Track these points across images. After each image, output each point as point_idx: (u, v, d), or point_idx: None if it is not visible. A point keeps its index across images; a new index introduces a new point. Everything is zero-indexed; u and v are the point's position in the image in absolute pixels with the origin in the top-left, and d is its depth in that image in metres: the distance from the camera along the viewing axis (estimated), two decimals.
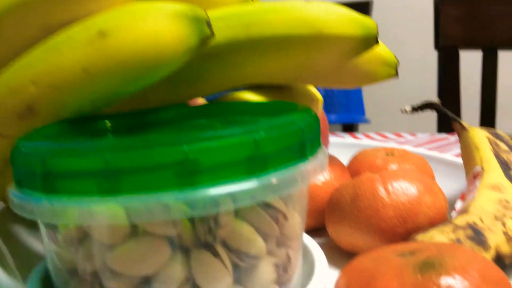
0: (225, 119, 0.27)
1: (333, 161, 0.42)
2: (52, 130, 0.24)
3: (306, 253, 0.28)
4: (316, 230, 0.40)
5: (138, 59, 0.24)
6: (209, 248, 0.20)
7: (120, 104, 0.30)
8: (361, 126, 1.66)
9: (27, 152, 0.19)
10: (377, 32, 0.31)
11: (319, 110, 0.42)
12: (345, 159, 0.50)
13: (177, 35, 0.25)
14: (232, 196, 0.18)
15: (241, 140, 0.19)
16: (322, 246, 0.37)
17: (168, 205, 0.18)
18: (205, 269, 0.20)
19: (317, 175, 0.22)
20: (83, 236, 0.20)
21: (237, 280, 0.21)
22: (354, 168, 0.44)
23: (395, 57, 0.37)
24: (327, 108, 1.33)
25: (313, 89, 0.40)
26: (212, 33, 0.26)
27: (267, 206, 0.21)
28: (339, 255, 0.36)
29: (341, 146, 0.59)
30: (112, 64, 0.25)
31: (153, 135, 0.18)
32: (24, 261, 0.30)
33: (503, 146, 0.39)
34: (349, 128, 1.41)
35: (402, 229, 0.33)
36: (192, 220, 0.20)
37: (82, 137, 0.25)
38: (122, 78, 0.25)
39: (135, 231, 0.19)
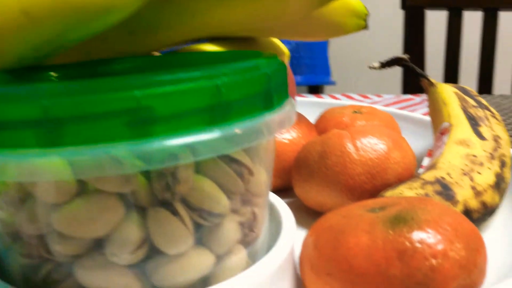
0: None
1: (300, 119, 0.41)
2: None
3: (273, 212, 0.26)
4: (283, 190, 0.39)
5: (84, 1, 0.22)
6: (168, 206, 0.18)
7: (68, 55, 0.27)
8: (327, 88, 1.65)
9: None
10: None
11: (286, 65, 0.41)
12: (311, 119, 0.48)
13: None
14: (192, 148, 0.17)
15: (202, 86, 0.17)
16: (289, 206, 0.36)
17: (119, 158, 0.16)
18: (164, 229, 0.18)
19: (284, 127, 0.20)
20: (24, 196, 0.18)
21: (199, 240, 0.19)
22: (321, 126, 0.43)
23: (365, 7, 0.35)
24: (293, 69, 1.31)
25: (278, 42, 0.38)
26: None
27: (231, 160, 0.20)
28: (307, 215, 0.35)
29: (307, 105, 0.57)
30: (56, 5, 0.22)
31: (100, 80, 0.16)
32: None
33: (471, 101, 0.39)
34: (315, 89, 1.40)
35: (370, 186, 0.32)
36: (147, 176, 0.18)
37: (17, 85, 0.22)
38: (68, 23, 0.22)
39: (83, 189, 0.17)
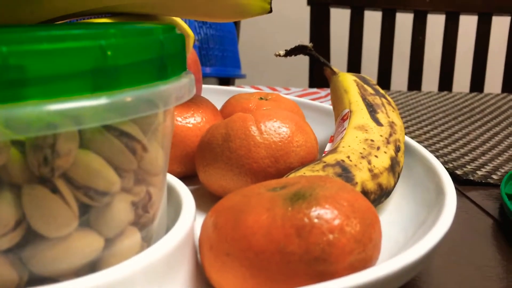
0: None
1: (204, 103, 0.40)
2: None
3: (172, 194, 0.25)
4: (186, 177, 0.38)
5: None
6: (46, 183, 0.16)
7: None
8: (237, 81, 1.65)
9: None
10: None
11: (190, 48, 0.39)
12: (218, 106, 0.48)
13: None
14: (73, 115, 0.15)
15: (84, 45, 0.15)
16: (193, 193, 0.34)
17: None
18: (42, 209, 0.16)
19: (180, 100, 0.19)
20: None
21: (85, 222, 0.18)
22: (227, 112, 0.42)
23: None
24: (203, 61, 1.29)
25: (182, 23, 0.37)
26: None
27: (121, 133, 0.18)
28: (211, 201, 0.34)
29: (214, 92, 0.56)
30: None
31: None
32: None
33: (369, 89, 0.40)
34: (225, 82, 1.40)
35: (274, 169, 0.32)
36: (22, 148, 0.16)
37: None
38: None
39: None
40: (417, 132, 0.56)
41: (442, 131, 0.56)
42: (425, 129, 0.57)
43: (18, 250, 0.16)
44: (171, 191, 0.25)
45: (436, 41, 1.29)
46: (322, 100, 0.69)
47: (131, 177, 0.19)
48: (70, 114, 0.15)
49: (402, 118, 0.62)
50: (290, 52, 0.45)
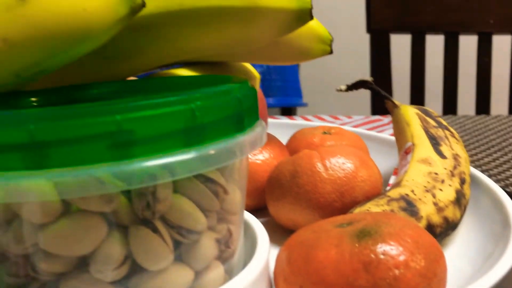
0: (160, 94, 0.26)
1: (272, 140, 0.42)
2: None
3: (248, 230, 0.27)
4: (257, 210, 0.40)
5: (62, 29, 0.23)
6: (148, 224, 0.19)
7: (47, 80, 0.28)
8: (299, 110, 1.68)
9: None
10: (311, 6, 0.31)
11: (257, 88, 0.42)
12: (283, 140, 0.50)
13: (105, 4, 0.23)
14: (170, 168, 0.18)
15: (178, 109, 0.18)
16: (264, 224, 0.37)
17: (101, 179, 0.17)
18: (145, 246, 0.19)
19: (255, 148, 0.22)
20: (11, 217, 0.18)
21: (178, 256, 0.20)
22: (293, 147, 0.45)
23: (330, 33, 0.37)
24: (265, 91, 1.33)
25: (249, 66, 0.40)
26: (143, 3, 0.24)
27: (206, 179, 0.21)
28: (281, 233, 0.36)
29: (279, 126, 0.59)
30: (34, 33, 0.23)
31: (83, 105, 0.17)
32: None
33: (431, 121, 0.41)
34: (287, 111, 1.43)
35: (340, 204, 0.34)
36: (128, 195, 0.19)
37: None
38: (46, 50, 0.23)
39: (67, 209, 0.18)
40: (485, 160, 0.55)
41: None
42: (494, 155, 0.56)
43: (125, 281, 0.19)
44: (246, 226, 0.27)
45: (503, 62, 1.25)
46: (385, 128, 0.69)
47: (215, 216, 0.22)
48: (167, 167, 0.18)
49: (469, 144, 0.62)
50: (351, 87, 0.47)
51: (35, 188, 0.16)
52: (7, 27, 0.22)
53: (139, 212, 0.19)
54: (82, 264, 0.19)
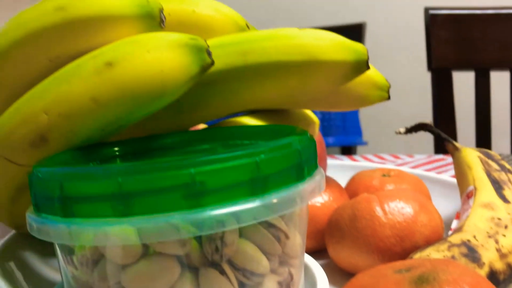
0: (226, 143, 0.29)
1: (331, 183, 0.43)
2: (64, 157, 0.26)
3: (308, 272, 0.29)
4: (317, 251, 0.41)
5: (144, 88, 0.26)
6: (216, 266, 0.21)
7: (125, 131, 0.31)
8: (359, 148, 1.67)
9: (45, 178, 0.20)
10: (368, 57, 0.32)
11: (316, 132, 0.44)
12: (343, 181, 0.51)
13: (179, 64, 0.26)
14: (237, 215, 0.20)
15: (244, 163, 0.20)
16: (323, 267, 0.38)
17: (177, 225, 0.19)
18: (213, 286, 0.21)
19: (315, 195, 0.23)
20: (97, 257, 0.21)
21: None
22: (352, 190, 0.46)
23: (387, 80, 0.39)
24: (325, 131, 1.34)
25: (309, 113, 0.42)
26: (212, 61, 0.27)
27: (269, 225, 0.22)
28: (340, 275, 0.37)
29: (339, 168, 0.60)
30: (119, 93, 0.26)
31: (161, 159, 0.20)
32: (37, 286, 0.31)
33: (494, 165, 0.41)
34: (348, 150, 1.43)
35: (399, 248, 0.34)
36: (199, 240, 0.21)
37: (93, 163, 0.26)
38: (129, 106, 0.26)
39: (146, 251, 0.20)
40: None
41: None
42: None
43: None
44: (306, 269, 0.29)
45: None
46: (448, 168, 0.68)
47: (277, 260, 0.23)
48: (234, 214, 0.20)
49: None
50: (410, 130, 0.48)
51: (120, 233, 0.19)
52: (96, 88, 0.26)
53: (209, 255, 0.21)
54: None
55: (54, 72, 0.28)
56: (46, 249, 0.34)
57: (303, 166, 0.23)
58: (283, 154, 0.22)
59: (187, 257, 0.21)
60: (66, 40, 0.29)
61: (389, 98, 0.39)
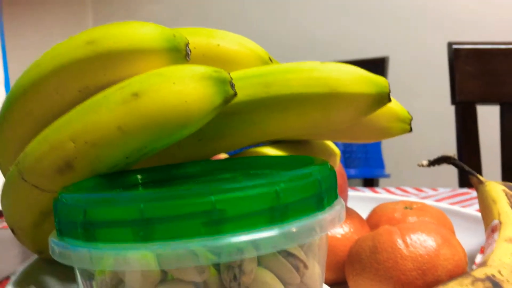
0: (247, 172, 0.29)
1: (352, 214, 0.43)
2: (89, 183, 0.26)
3: None
4: (337, 283, 0.40)
5: (168, 118, 0.27)
6: None
7: (149, 159, 0.32)
8: (382, 181, 1.65)
9: (69, 204, 0.21)
10: (389, 90, 0.33)
11: (337, 164, 0.44)
12: (364, 213, 0.50)
13: (203, 95, 0.27)
14: (255, 244, 0.20)
15: (264, 191, 0.20)
16: None
17: (196, 252, 0.19)
18: None
19: (335, 225, 0.23)
20: (116, 283, 0.21)
21: None
22: (373, 221, 0.45)
23: (408, 112, 0.39)
24: (347, 163, 1.34)
25: (330, 144, 0.42)
26: (235, 93, 0.28)
27: (288, 254, 0.22)
28: None
29: (360, 200, 0.59)
30: (145, 122, 0.27)
31: (182, 186, 0.20)
32: None
33: None
34: (370, 182, 1.42)
35: (421, 282, 0.33)
36: (218, 267, 0.21)
37: (116, 190, 0.27)
38: (153, 135, 0.27)
39: (164, 277, 0.21)
40: None
41: None
42: None
43: None
44: None
45: None
46: (473, 202, 0.67)
47: None
48: (253, 243, 0.20)
49: None
50: (433, 163, 0.47)
51: (140, 259, 0.19)
52: (122, 118, 0.27)
53: (227, 283, 0.21)
54: None
55: (82, 102, 0.29)
56: (67, 275, 0.34)
57: (323, 196, 0.23)
58: (303, 183, 0.22)
59: (205, 285, 0.21)
60: (95, 71, 0.30)
61: (411, 130, 0.39)
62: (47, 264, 0.34)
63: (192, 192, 0.20)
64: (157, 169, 0.30)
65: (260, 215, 0.20)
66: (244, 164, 0.31)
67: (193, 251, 0.19)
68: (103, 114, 0.27)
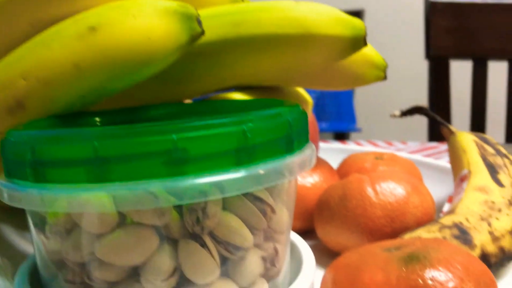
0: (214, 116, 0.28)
1: (322, 164, 0.42)
2: (41, 123, 0.24)
3: (294, 250, 0.28)
4: (305, 232, 0.40)
5: (128, 55, 0.25)
6: (197, 239, 0.20)
7: (109, 101, 0.30)
8: (353, 135, 1.66)
9: (16, 141, 0.19)
10: (366, 33, 0.31)
11: (309, 113, 0.43)
12: (334, 164, 0.50)
13: (167, 32, 0.25)
14: (220, 186, 0.19)
15: (230, 130, 0.19)
16: (311, 248, 0.37)
17: (155, 193, 0.18)
18: (193, 260, 0.20)
19: (304, 169, 0.22)
20: (71, 226, 0.20)
21: (224, 272, 0.21)
22: (343, 172, 0.45)
23: (384, 59, 0.37)
24: (318, 116, 1.33)
25: (303, 91, 0.41)
26: (202, 31, 0.26)
27: (255, 198, 0.21)
28: (328, 256, 0.36)
29: (331, 151, 0.59)
30: (102, 59, 0.25)
31: (142, 124, 0.19)
32: (12, 259, 0.30)
33: (490, 149, 0.40)
34: (341, 136, 1.42)
35: (389, 229, 0.33)
36: (180, 210, 0.20)
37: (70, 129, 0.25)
38: (112, 74, 0.25)
39: (123, 221, 0.19)
40: None
41: None
42: None
43: None
44: (293, 247, 0.28)
45: None
46: (441, 155, 0.67)
47: (261, 234, 0.22)
48: (218, 185, 0.19)
49: None
50: (405, 113, 0.47)
51: (95, 200, 0.18)
52: (78, 54, 0.25)
53: (189, 226, 0.20)
54: (134, 274, 0.20)
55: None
56: (22, 222, 0.33)
57: (293, 139, 0.22)
58: (272, 124, 0.21)
59: (166, 228, 0.20)
60: (48, 3, 0.27)
61: (385, 78, 0.38)
62: (1, 211, 0.32)
63: (152, 130, 0.18)
64: (117, 111, 0.28)
65: (226, 156, 0.19)
66: (211, 107, 0.29)
67: (153, 193, 0.18)
68: (57, 49, 0.25)
